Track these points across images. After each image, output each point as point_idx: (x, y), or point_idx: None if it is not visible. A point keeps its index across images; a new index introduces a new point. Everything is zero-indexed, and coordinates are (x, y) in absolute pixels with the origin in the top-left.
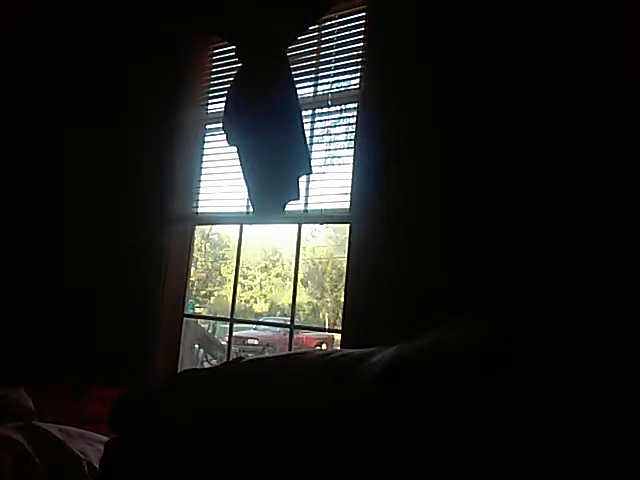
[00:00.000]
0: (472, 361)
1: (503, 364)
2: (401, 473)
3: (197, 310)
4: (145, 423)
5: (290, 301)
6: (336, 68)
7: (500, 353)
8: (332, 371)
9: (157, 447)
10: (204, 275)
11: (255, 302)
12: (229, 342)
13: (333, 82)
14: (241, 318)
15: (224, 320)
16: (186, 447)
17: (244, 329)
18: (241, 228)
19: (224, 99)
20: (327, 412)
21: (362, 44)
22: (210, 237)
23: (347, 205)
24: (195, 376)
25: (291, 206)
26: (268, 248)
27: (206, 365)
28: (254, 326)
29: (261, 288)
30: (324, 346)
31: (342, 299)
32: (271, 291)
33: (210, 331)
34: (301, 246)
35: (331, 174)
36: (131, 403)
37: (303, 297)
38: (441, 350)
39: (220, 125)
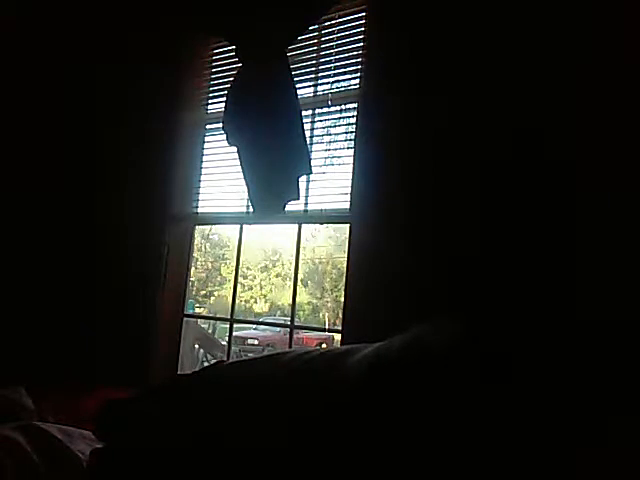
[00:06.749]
0: (447, 363)
1: (479, 365)
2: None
3: (197, 310)
4: (130, 431)
5: (290, 301)
6: (336, 68)
7: (474, 355)
8: (311, 371)
9: (143, 453)
10: (204, 275)
11: (255, 302)
12: (229, 342)
13: (333, 82)
14: (241, 318)
15: (224, 320)
16: (170, 452)
17: (244, 329)
18: (241, 228)
19: (224, 99)
20: (306, 413)
21: (362, 44)
22: (210, 237)
23: (347, 205)
24: (176, 382)
25: (291, 206)
26: (268, 248)
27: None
28: (254, 326)
29: (261, 288)
30: (324, 346)
31: (342, 299)
32: (271, 291)
33: (210, 331)
34: (301, 246)
35: (331, 174)
36: (115, 412)
37: (303, 297)
38: (420, 351)
39: (220, 125)
